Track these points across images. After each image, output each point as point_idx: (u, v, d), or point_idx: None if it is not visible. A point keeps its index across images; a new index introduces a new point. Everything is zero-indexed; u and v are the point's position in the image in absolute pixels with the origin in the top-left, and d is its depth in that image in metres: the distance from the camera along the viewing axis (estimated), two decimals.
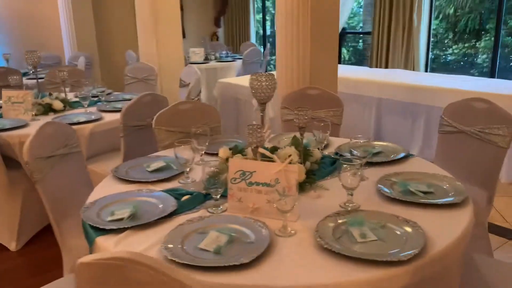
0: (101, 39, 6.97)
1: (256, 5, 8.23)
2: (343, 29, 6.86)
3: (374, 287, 1.15)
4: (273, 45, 9.61)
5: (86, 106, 3.15)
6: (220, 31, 8.75)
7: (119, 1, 7.34)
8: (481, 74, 7.27)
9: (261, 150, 1.65)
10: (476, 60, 9.96)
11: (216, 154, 1.84)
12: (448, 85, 4.12)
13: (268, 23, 8.40)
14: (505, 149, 2.12)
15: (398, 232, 1.32)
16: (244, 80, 4.82)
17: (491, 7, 9.53)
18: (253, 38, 8.17)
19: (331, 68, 3.19)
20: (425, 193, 1.58)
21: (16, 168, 2.72)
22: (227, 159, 1.74)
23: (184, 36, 8.03)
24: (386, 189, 1.61)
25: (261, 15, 8.51)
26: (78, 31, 6.62)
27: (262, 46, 8.09)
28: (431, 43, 6.06)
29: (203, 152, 1.93)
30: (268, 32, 8.40)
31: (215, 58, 6.37)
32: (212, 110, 2.51)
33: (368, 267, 1.17)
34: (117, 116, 2.80)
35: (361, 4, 7.71)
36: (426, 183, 1.65)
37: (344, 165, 1.47)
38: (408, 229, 1.32)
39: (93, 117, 2.91)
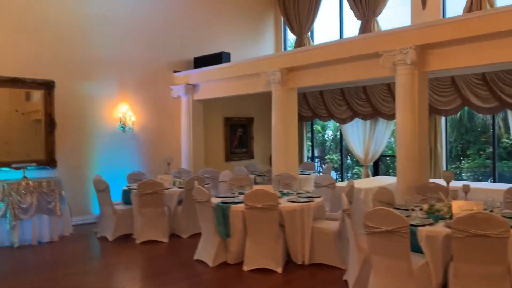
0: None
1: (308, 135, 11.14)
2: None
3: None
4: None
5: (295, 194, 5.49)
6: None
7: (215, 134, 10.02)
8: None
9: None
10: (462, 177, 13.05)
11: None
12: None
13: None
14: None
15: None
16: None
17: (469, 138, 12.93)
18: (305, 159, 10.87)
19: None
20: None
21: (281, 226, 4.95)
22: (429, 208, 4.16)
23: (253, 157, 10.75)
24: None
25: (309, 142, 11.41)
26: (194, 151, 9.13)
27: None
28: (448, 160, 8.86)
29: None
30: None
31: None
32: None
33: None
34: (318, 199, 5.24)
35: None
36: None
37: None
38: None
39: (307, 200, 5.24)
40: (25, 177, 6.72)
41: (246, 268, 4.95)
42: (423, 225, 3.76)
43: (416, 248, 3.70)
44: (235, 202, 5.20)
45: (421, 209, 4.27)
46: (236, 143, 10.47)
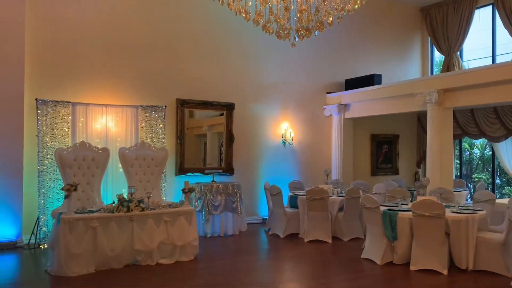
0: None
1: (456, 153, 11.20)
2: None
3: None
4: None
5: (457, 207, 5.98)
6: (420, 171, 11.68)
7: (362, 150, 10.76)
8: None
9: None
10: None
11: None
12: None
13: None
14: None
15: None
16: None
17: None
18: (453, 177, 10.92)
19: None
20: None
21: (446, 234, 5.51)
22: None
23: (398, 173, 11.19)
24: None
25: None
26: (344, 164, 10.01)
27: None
28: None
29: None
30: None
31: None
32: None
33: None
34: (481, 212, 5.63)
35: None
36: None
37: None
38: None
39: (470, 211, 5.69)
40: (214, 181, 8.33)
41: (412, 268, 5.61)
42: None
43: None
44: (401, 210, 5.92)
45: None
46: (381, 158, 11.07)
